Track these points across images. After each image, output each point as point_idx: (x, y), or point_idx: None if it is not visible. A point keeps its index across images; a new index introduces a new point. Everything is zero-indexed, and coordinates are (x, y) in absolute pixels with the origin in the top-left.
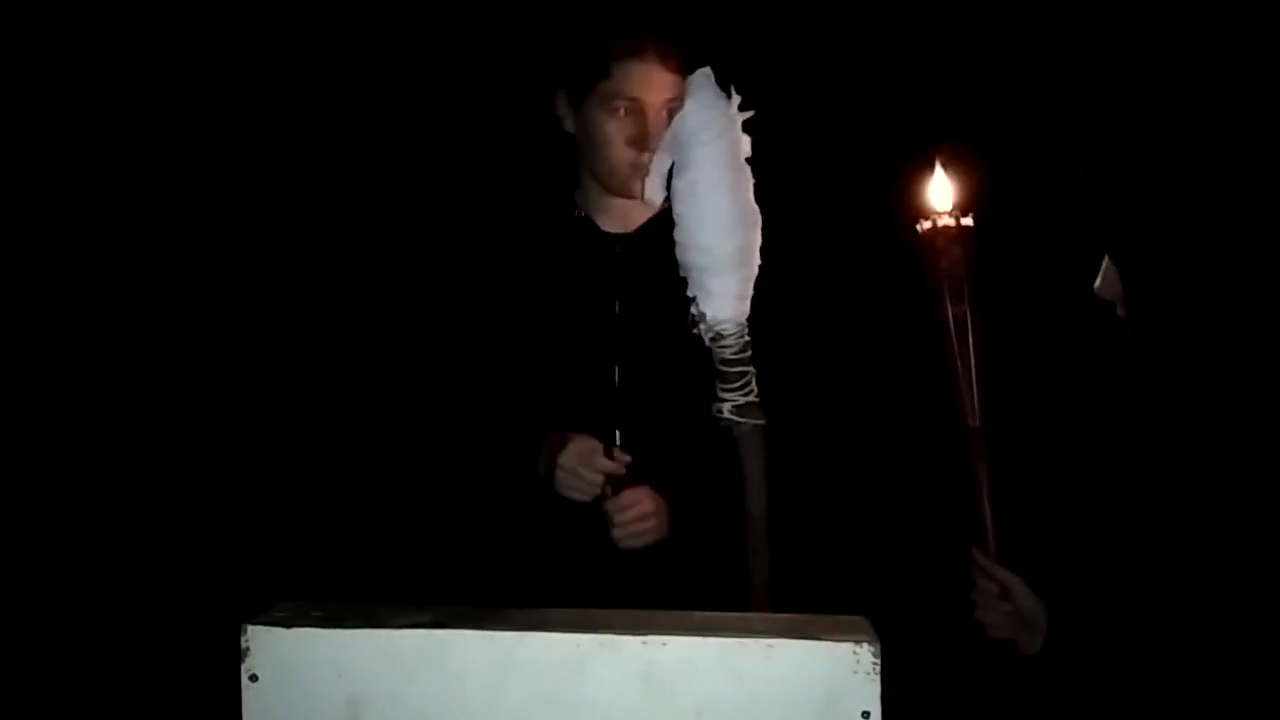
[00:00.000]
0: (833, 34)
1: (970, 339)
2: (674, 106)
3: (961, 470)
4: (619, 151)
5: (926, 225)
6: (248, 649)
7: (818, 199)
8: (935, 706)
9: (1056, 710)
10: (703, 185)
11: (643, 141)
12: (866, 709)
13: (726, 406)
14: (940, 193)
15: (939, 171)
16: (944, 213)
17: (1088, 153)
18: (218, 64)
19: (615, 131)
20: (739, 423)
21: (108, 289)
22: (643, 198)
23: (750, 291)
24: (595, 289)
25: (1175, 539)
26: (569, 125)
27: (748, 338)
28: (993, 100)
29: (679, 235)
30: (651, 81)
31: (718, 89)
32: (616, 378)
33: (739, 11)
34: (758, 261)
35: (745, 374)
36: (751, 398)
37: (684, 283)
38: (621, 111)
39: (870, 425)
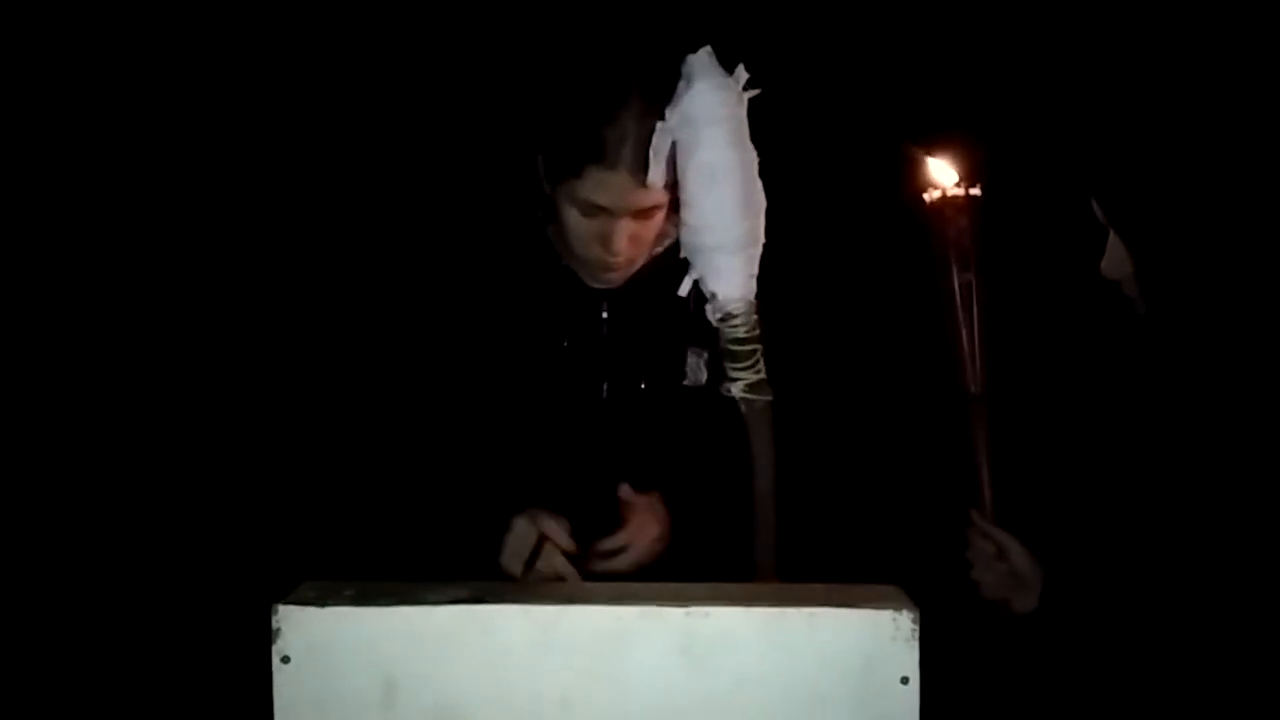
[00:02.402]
0: (844, 8)
1: (975, 307)
2: (656, 213)
3: (961, 435)
4: (585, 247)
5: (935, 195)
6: (279, 630)
7: (829, 172)
8: (941, 666)
9: (1049, 667)
10: (711, 167)
11: (609, 246)
12: (906, 674)
13: (738, 386)
14: (948, 164)
15: (947, 143)
16: (952, 183)
17: (1097, 132)
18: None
19: (583, 230)
20: (751, 400)
21: (117, 282)
22: (617, 282)
23: (757, 270)
24: (580, 364)
25: (1169, 505)
26: (547, 189)
27: (756, 316)
28: (1004, 75)
29: (688, 217)
30: (623, 194)
31: (721, 69)
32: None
33: None
34: (763, 240)
35: (754, 352)
36: (761, 374)
37: (679, 338)
38: (590, 212)
39: (874, 392)
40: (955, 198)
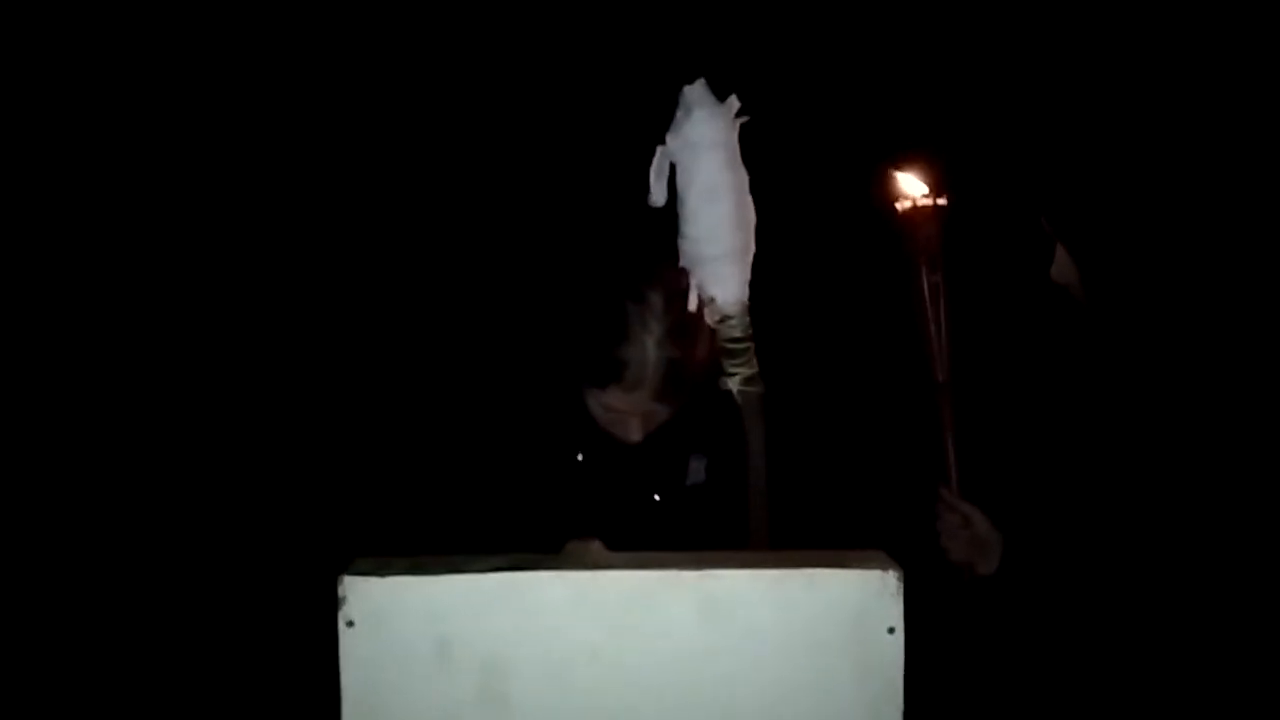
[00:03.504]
0: (822, 34)
1: (942, 305)
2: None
3: (930, 418)
4: (606, 425)
5: (906, 205)
6: (344, 598)
7: (813, 187)
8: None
9: (1007, 621)
10: (710, 186)
11: (626, 435)
12: (892, 625)
13: (734, 380)
14: (918, 177)
15: (917, 159)
16: (921, 195)
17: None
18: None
19: (603, 418)
20: (745, 392)
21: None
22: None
23: (749, 275)
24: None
25: (1113, 479)
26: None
27: (749, 317)
28: (969, 98)
29: (689, 230)
30: (641, 405)
31: (714, 99)
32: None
33: (727, 17)
34: (754, 249)
35: (748, 349)
36: (754, 369)
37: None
38: (610, 411)
39: (853, 381)
40: (924, 208)
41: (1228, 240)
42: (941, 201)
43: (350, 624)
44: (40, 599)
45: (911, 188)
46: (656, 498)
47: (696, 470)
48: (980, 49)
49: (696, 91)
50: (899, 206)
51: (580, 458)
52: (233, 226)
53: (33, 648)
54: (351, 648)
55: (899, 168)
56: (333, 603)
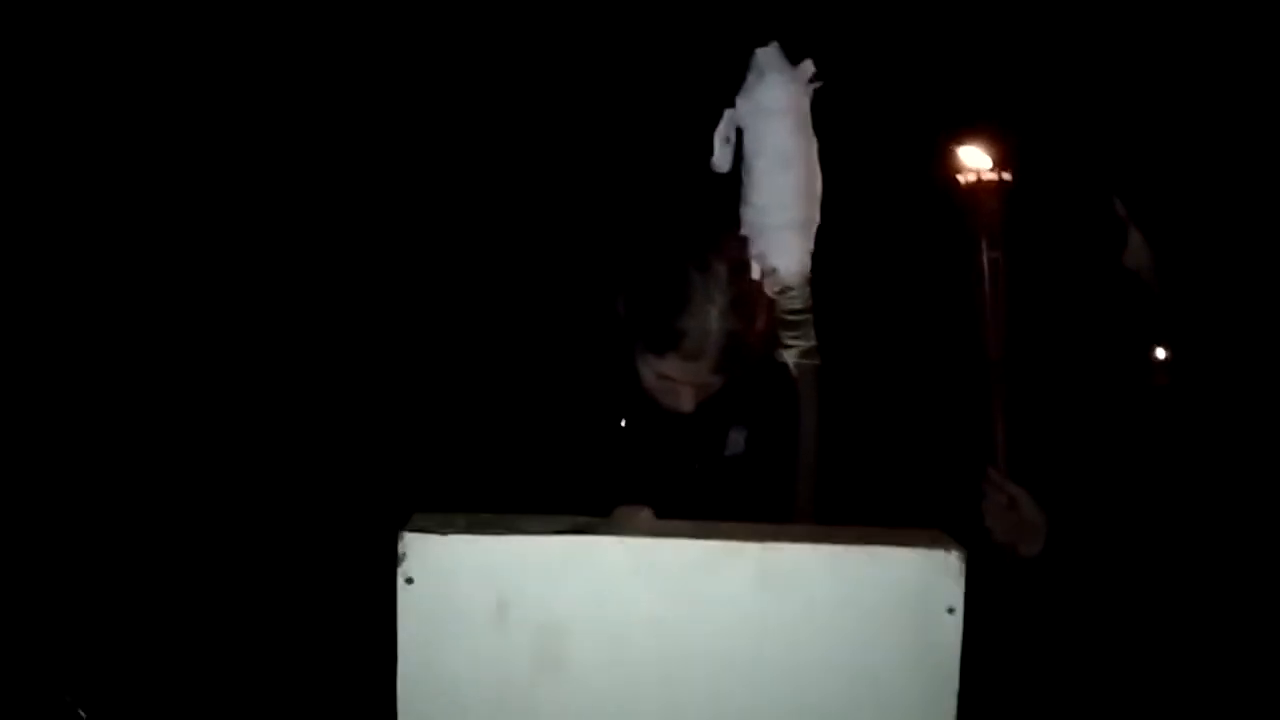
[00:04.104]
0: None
1: (1000, 282)
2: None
3: (981, 396)
4: (657, 395)
5: (969, 179)
6: (404, 555)
7: (876, 159)
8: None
9: (1048, 604)
10: (780, 152)
11: (678, 404)
12: (952, 605)
13: (791, 353)
14: (982, 151)
15: (982, 133)
16: (985, 169)
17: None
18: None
19: (656, 386)
20: (802, 364)
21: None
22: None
23: (812, 246)
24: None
25: (1164, 469)
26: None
27: (809, 288)
28: (1040, 74)
29: (755, 197)
30: (698, 376)
31: (787, 63)
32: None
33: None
34: (818, 220)
35: (807, 320)
36: (812, 341)
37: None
38: (665, 380)
39: (907, 356)
40: (988, 182)
41: None
42: (1006, 177)
43: (409, 580)
44: (107, 553)
45: (976, 161)
46: (696, 467)
47: (735, 441)
48: (1057, 22)
49: (770, 55)
50: (962, 180)
51: (624, 423)
52: (297, 202)
53: (94, 605)
54: (410, 604)
55: (964, 141)
56: (393, 559)
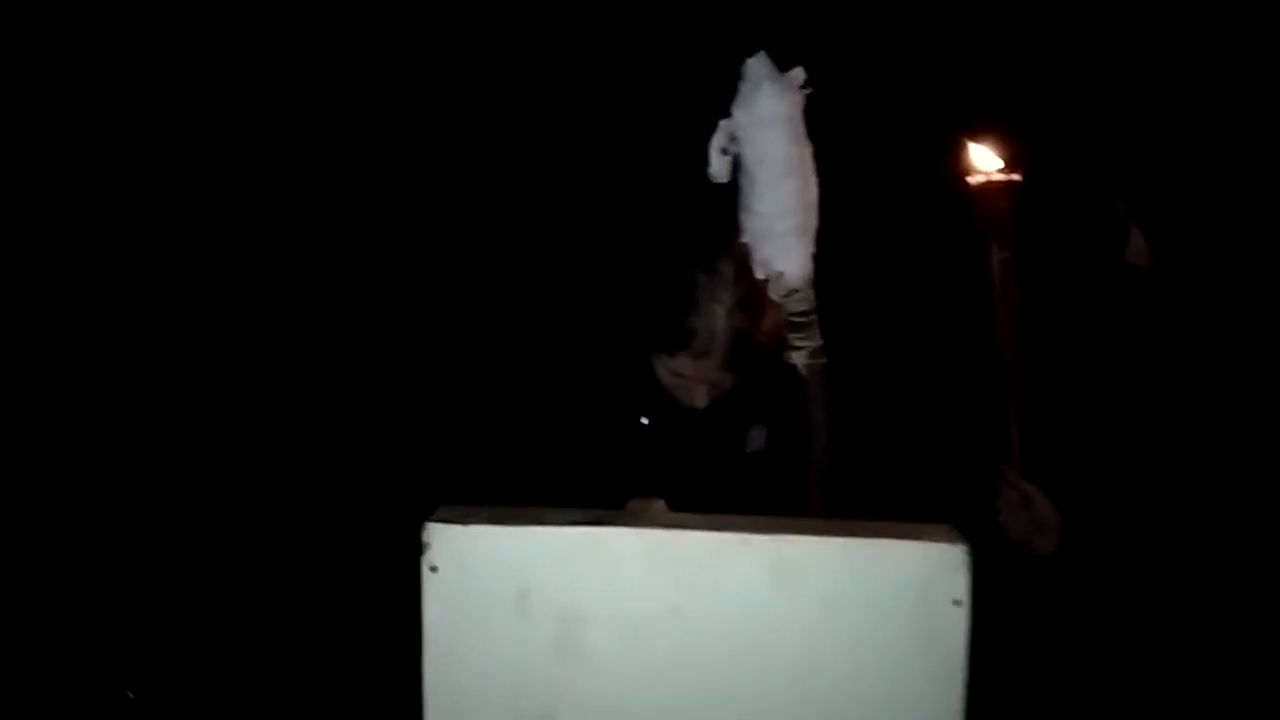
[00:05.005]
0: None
1: (1010, 282)
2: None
3: (995, 396)
4: (673, 392)
5: (979, 179)
6: (428, 544)
7: (887, 159)
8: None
9: (1062, 602)
10: (777, 161)
11: (692, 400)
12: (958, 598)
13: (799, 354)
14: (992, 152)
15: (992, 133)
16: (995, 169)
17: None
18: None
19: (670, 383)
20: (810, 365)
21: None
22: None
23: (814, 249)
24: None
25: (1176, 466)
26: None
27: (814, 291)
28: (1045, 71)
29: (757, 206)
30: (708, 373)
31: (778, 72)
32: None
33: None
34: (817, 223)
35: (812, 322)
36: (819, 342)
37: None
38: (678, 377)
39: (918, 356)
40: (997, 183)
41: None
42: (1015, 177)
43: (434, 569)
44: (130, 540)
45: (985, 162)
46: (717, 463)
47: (756, 438)
48: (1062, 23)
49: (760, 64)
50: (972, 180)
51: (645, 420)
52: (311, 195)
53: (117, 590)
54: (434, 592)
55: (974, 141)
56: (417, 549)
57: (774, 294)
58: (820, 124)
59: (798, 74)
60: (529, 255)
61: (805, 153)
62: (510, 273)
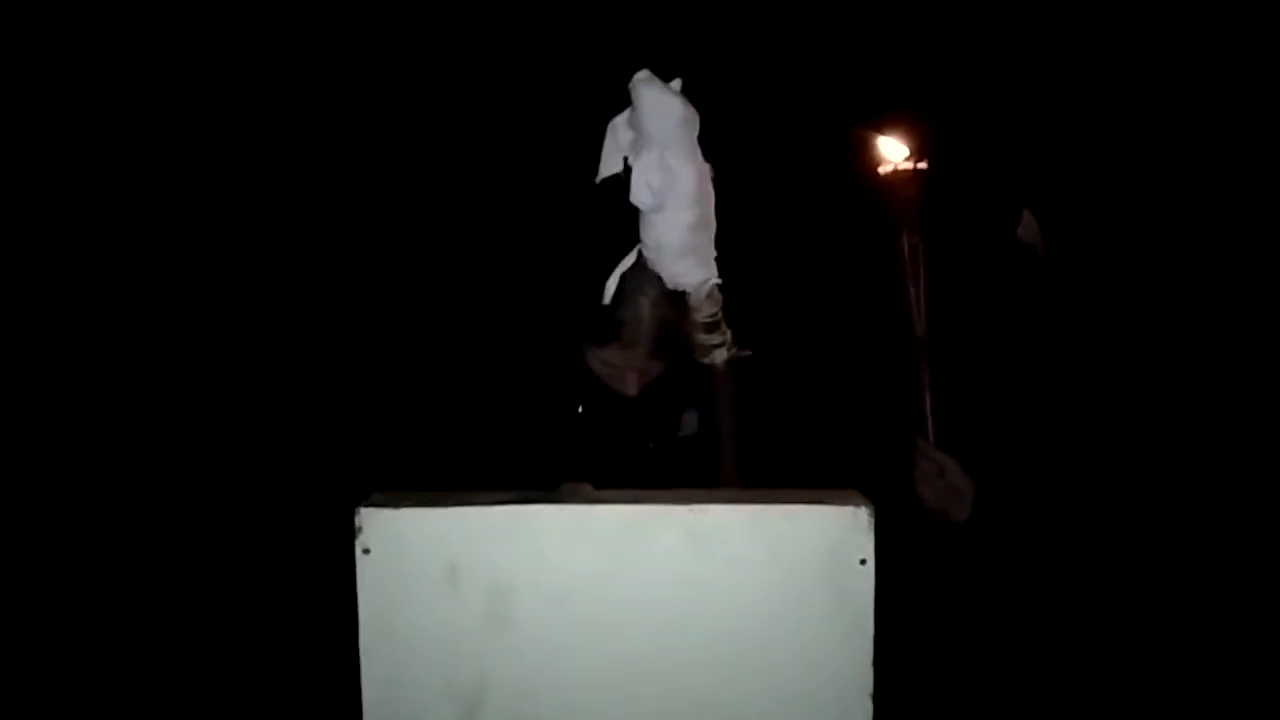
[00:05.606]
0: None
1: (921, 264)
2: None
3: (909, 371)
4: (605, 380)
5: (887, 169)
6: (360, 528)
7: (797, 154)
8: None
9: (977, 565)
10: (666, 191)
11: (623, 389)
12: (864, 557)
13: (718, 356)
14: (899, 142)
15: (898, 124)
16: (902, 159)
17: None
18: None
19: (601, 372)
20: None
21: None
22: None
23: (714, 253)
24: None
25: (1080, 428)
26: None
27: (720, 295)
28: (951, 67)
29: (647, 236)
30: (636, 363)
31: (662, 85)
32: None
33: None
34: (714, 225)
35: (720, 323)
36: (730, 339)
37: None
38: (608, 368)
39: (836, 337)
40: (905, 171)
41: (1184, 208)
42: (921, 166)
43: (366, 551)
44: (79, 530)
45: (893, 153)
46: (650, 447)
47: (689, 423)
48: (959, 18)
49: (641, 81)
50: (881, 170)
51: (580, 409)
52: (258, 198)
53: (71, 578)
54: (368, 573)
55: (882, 133)
56: (350, 532)
57: (685, 306)
58: (746, 119)
59: (675, 84)
60: (467, 253)
61: (695, 170)
62: (448, 269)
